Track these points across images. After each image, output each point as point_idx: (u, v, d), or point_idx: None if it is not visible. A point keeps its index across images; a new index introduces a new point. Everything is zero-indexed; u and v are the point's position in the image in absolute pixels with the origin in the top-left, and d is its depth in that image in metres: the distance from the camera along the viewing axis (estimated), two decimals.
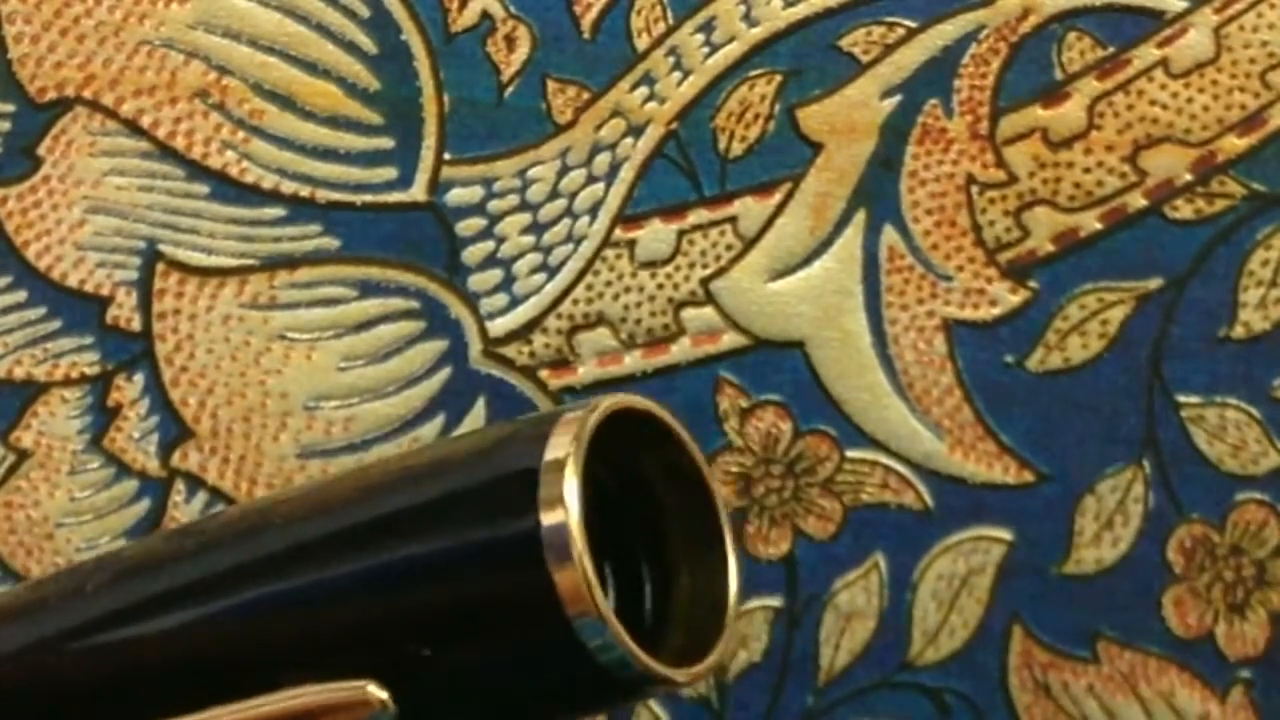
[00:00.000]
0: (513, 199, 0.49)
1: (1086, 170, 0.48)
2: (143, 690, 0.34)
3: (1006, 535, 0.49)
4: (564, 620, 0.31)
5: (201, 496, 0.49)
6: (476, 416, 0.49)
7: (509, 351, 0.49)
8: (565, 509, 0.31)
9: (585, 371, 0.49)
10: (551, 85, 0.49)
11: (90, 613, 0.34)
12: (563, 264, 0.49)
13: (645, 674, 0.31)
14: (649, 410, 0.33)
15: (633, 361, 0.49)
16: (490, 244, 0.49)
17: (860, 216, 0.49)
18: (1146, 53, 0.48)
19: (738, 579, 0.33)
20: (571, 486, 0.31)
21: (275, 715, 0.32)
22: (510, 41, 0.49)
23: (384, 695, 0.32)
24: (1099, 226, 0.48)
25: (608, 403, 0.32)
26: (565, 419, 0.32)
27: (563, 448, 0.31)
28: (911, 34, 0.48)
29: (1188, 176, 0.48)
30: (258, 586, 0.33)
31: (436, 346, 0.49)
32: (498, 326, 0.49)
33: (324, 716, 0.32)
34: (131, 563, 0.35)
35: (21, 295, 0.49)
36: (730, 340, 0.49)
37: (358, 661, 0.32)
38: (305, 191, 0.49)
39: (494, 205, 0.49)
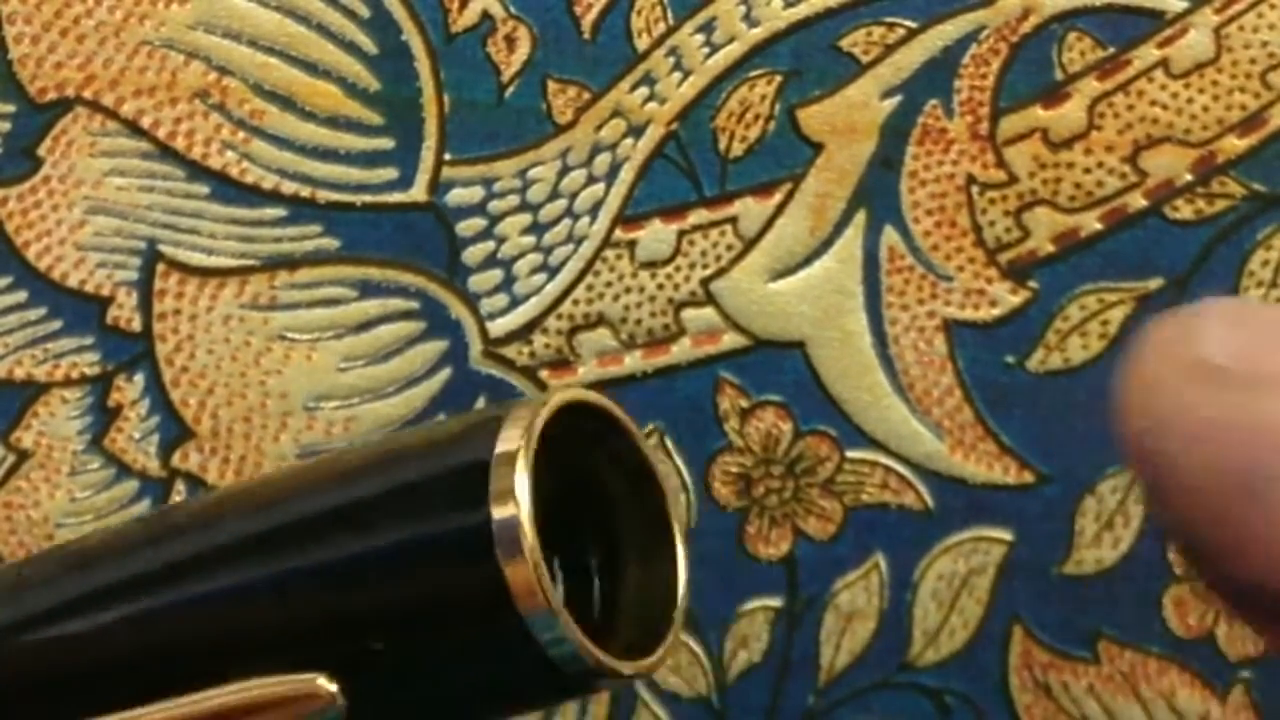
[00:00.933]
0: (513, 199, 0.49)
1: (1087, 170, 0.48)
2: (84, 685, 0.34)
3: (1007, 536, 0.49)
4: (515, 614, 0.31)
5: None
6: None
7: (509, 352, 0.49)
8: (516, 502, 0.31)
9: (585, 372, 0.49)
10: (552, 86, 0.49)
11: (29, 606, 0.34)
12: (563, 264, 0.49)
13: (595, 668, 0.31)
14: (597, 403, 0.33)
15: (633, 362, 0.49)
16: (490, 244, 0.49)
17: (860, 217, 0.49)
18: (1147, 53, 0.48)
19: (687, 571, 0.33)
20: (522, 480, 0.31)
21: (222, 709, 0.32)
22: (510, 42, 0.49)
23: (334, 688, 0.32)
24: (1099, 227, 0.48)
25: (558, 396, 0.32)
26: (516, 412, 0.32)
27: (513, 441, 0.31)
28: (911, 34, 0.48)
29: (1188, 177, 0.48)
30: (205, 580, 0.33)
31: (437, 347, 0.49)
32: (498, 327, 0.49)
33: (272, 710, 0.32)
34: (74, 555, 0.35)
35: (22, 295, 0.49)
36: (730, 340, 0.49)
37: (307, 655, 0.32)
38: (305, 192, 0.49)
39: (494, 205, 0.49)
